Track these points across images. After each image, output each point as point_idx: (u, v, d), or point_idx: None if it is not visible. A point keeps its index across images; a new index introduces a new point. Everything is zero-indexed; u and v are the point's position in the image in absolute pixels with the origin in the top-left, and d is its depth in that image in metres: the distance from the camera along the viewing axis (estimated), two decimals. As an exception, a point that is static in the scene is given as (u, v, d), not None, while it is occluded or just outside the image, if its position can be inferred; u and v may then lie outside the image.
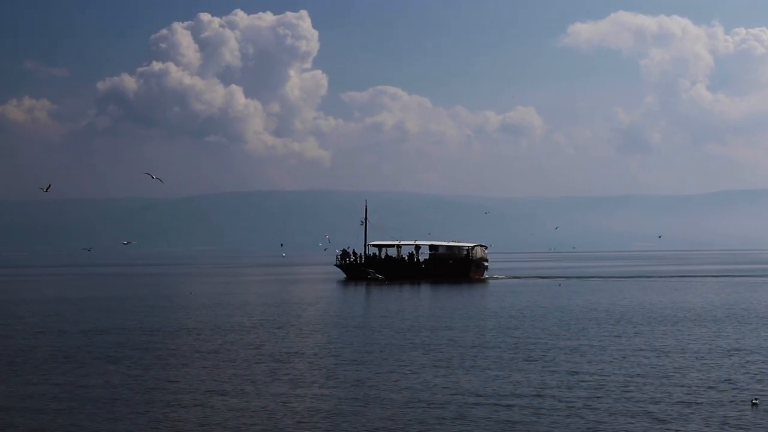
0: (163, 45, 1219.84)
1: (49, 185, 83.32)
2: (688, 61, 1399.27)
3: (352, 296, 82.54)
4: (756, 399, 27.01)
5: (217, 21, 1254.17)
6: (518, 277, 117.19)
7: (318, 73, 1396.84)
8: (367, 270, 37.12)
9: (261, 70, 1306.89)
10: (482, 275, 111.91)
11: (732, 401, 27.00)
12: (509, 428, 23.87)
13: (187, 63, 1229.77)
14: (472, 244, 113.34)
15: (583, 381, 30.70)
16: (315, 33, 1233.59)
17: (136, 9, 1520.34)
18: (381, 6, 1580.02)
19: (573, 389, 29.15)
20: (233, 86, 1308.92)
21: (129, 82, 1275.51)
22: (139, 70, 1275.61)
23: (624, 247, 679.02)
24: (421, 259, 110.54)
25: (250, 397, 28.64)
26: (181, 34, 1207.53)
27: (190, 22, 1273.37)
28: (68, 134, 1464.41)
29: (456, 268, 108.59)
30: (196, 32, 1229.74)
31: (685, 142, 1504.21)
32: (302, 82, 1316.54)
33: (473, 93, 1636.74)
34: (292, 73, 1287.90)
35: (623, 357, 36.71)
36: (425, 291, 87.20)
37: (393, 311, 62.18)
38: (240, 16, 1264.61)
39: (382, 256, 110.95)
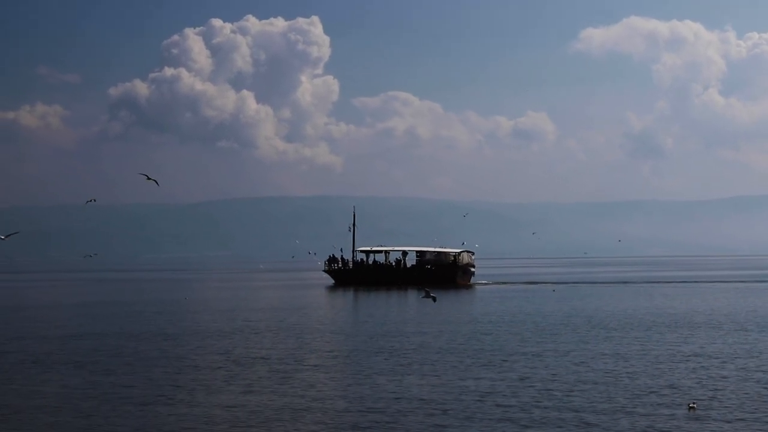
0: (174, 51, 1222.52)
1: (93, 199, 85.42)
2: (701, 66, 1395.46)
3: (338, 302, 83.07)
4: (693, 403, 27.36)
5: (228, 27, 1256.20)
6: (504, 283, 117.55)
7: (329, 78, 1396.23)
8: (425, 289, 37.39)
9: (272, 76, 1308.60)
10: (469, 281, 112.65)
11: (670, 405, 27.36)
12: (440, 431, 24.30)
13: (198, 69, 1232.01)
14: (458, 250, 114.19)
15: (530, 386, 31.10)
16: (326, 39, 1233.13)
17: (148, 15, 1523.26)
18: (392, 12, 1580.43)
19: (517, 395, 29.54)
20: (245, 92, 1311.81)
21: (141, 88, 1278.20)
22: (151, 75, 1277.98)
23: (636, 253, 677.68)
24: (408, 264, 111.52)
25: (196, 403, 29.09)
26: (193, 39, 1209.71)
27: (201, 27, 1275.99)
28: (80, 140, 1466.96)
29: (443, 273, 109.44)
30: (207, 38, 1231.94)
31: (698, 148, 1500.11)
32: (314, 87, 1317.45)
33: (485, 98, 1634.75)
34: (303, 78, 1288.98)
35: (582, 362, 37.09)
36: (411, 297, 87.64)
37: (374, 317, 62.67)
38: (251, 21, 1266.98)
39: (370, 262, 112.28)
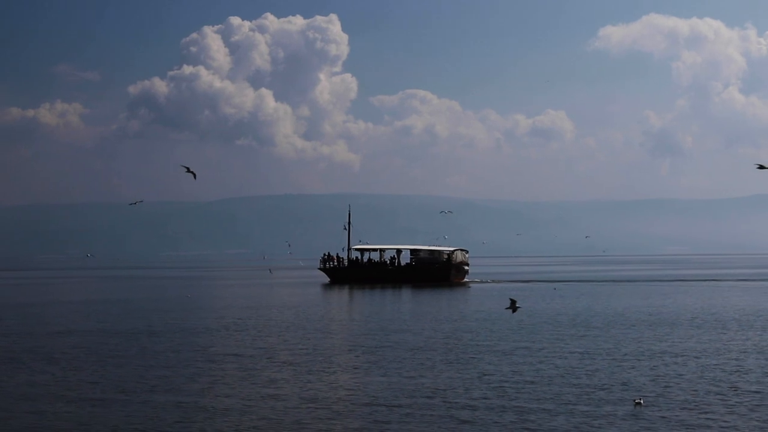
0: (193, 49, 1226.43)
1: (140, 201, 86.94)
2: (721, 64, 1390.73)
3: (331, 300, 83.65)
4: (640, 399, 27.75)
5: (247, 25, 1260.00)
6: (498, 281, 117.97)
7: (348, 76, 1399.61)
8: (513, 300, 37.57)
9: (291, 74, 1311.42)
10: (463, 279, 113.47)
11: (615, 402, 27.71)
12: (376, 428, 24.72)
13: (217, 67, 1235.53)
14: (452, 249, 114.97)
15: (485, 383, 31.49)
16: (345, 37, 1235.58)
17: (166, 13, 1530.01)
18: (411, 10, 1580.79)
19: (469, 391, 29.95)
20: (263, 90, 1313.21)
21: (160, 86, 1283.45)
22: (170, 73, 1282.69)
23: (656, 251, 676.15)
24: (403, 263, 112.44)
25: (150, 399, 29.61)
26: (212, 37, 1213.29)
27: (220, 25, 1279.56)
28: (99, 138, 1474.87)
29: (437, 271, 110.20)
30: (226, 36, 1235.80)
31: (717, 146, 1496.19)
32: (332, 85, 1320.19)
33: (503, 97, 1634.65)
34: (321, 76, 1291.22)
35: (546, 359, 37.46)
36: (404, 295, 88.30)
37: (362, 314, 63.28)
38: (270, 19, 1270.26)
39: (365, 260, 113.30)
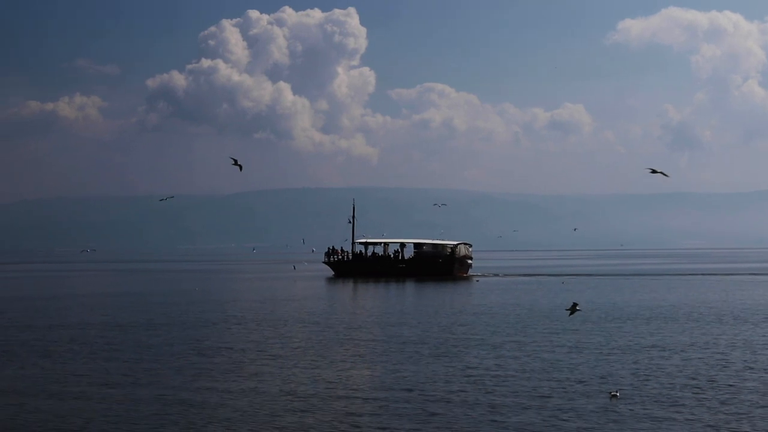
0: (212, 42, 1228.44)
1: (171, 197, 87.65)
2: (740, 57, 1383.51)
3: (333, 294, 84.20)
4: (616, 392, 27.99)
5: (265, 18, 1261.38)
6: (502, 275, 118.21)
7: (366, 70, 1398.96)
8: (575, 303, 37.59)
9: (309, 67, 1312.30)
10: (466, 273, 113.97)
11: (590, 395, 27.93)
12: (347, 420, 25.03)
13: (235, 60, 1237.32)
14: (456, 243, 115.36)
15: (467, 376, 31.77)
16: (363, 30, 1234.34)
17: (185, 6, 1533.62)
18: (429, 3, 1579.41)
19: (449, 384, 30.23)
20: (281, 83, 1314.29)
21: (178, 79, 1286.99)
22: (189, 67, 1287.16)
23: (674, 245, 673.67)
24: (406, 256, 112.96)
25: (134, 390, 30.04)
26: (230, 31, 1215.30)
27: (238, 19, 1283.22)
28: (118, 131, 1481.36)
29: (440, 265, 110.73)
30: (244, 29, 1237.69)
31: (737, 140, 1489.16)
32: (350, 79, 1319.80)
33: (521, 90, 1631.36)
34: (340, 70, 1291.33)
35: (534, 353, 37.71)
36: (407, 288, 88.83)
37: (362, 308, 63.70)
38: (288, 13, 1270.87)
39: (369, 254, 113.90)
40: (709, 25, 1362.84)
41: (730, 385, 29.41)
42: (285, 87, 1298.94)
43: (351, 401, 27.46)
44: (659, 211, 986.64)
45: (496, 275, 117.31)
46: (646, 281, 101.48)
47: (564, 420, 24.60)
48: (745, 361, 34.92)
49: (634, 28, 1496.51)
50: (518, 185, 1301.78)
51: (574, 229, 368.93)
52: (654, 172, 46.59)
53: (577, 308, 35.04)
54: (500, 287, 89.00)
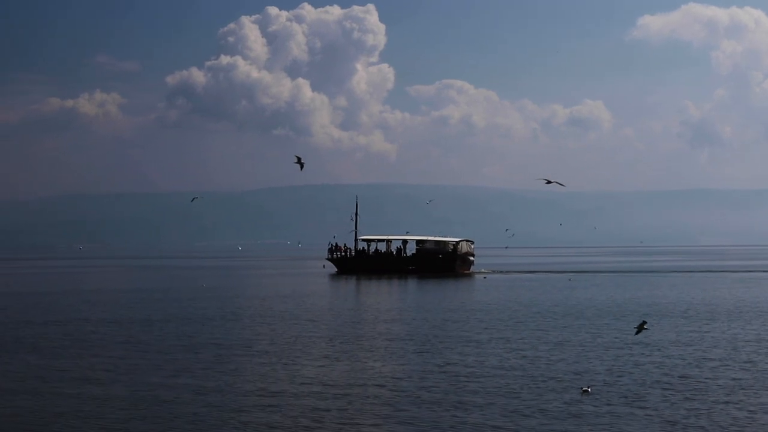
0: (231, 39, 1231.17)
1: (201, 197, 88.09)
2: (761, 53, 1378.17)
3: (334, 290, 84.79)
4: (588, 387, 28.23)
5: (284, 15, 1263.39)
6: (506, 272, 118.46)
7: (385, 66, 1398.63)
8: (643, 322, 36.83)
9: (328, 64, 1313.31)
10: (468, 269, 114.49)
11: (561, 390, 28.16)
12: (310, 415, 25.34)
13: (254, 57, 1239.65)
14: (458, 239, 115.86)
15: (444, 372, 32.03)
16: (382, 27, 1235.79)
17: (204, 3, 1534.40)
18: (448, 0, 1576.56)
19: (423, 380, 30.48)
20: (300, 80, 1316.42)
21: (198, 76, 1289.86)
22: (208, 63, 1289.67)
23: (693, 242, 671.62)
24: (409, 253, 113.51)
25: (111, 386, 30.45)
26: (249, 27, 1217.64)
27: (257, 15, 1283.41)
28: (138, 128, 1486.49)
29: (442, 262, 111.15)
30: (263, 26, 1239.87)
31: (757, 136, 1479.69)
32: (369, 75, 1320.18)
33: (540, 86, 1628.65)
34: (358, 66, 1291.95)
35: (517, 349, 37.95)
36: (409, 285, 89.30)
37: (359, 304, 64.15)
38: (307, 9, 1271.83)
39: (371, 251, 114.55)
40: (729, 21, 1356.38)
41: (700, 382, 29.60)
42: (304, 83, 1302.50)
43: (319, 397, 27.74)
44: (679, 208, 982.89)
45: (499, 272, 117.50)
46: (653, 278, 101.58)
47: (525, 416, 24.83)
48: (723, 358, 35.06)
49: (653, 24, 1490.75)
50: (538, 182, 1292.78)
51: (594, 228, 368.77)
52: (549, 182, 46.94)
53: (645, 327, 34.02)
54: (505, 284, 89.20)
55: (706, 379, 30.13)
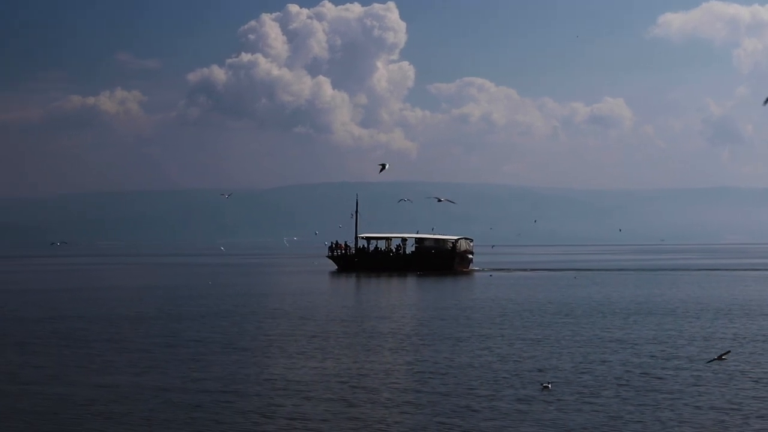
0: (251, 36, 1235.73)
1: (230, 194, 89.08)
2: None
3: (331, 288, 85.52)
4: (549, 383, 28.51)
5: (305, 12, 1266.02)
6: (506, 270, 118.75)
7: (405, 64, 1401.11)
8: (726, 352, 35.27)
9: (348, 62, 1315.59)
10: (467, 267, 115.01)
11: (521, 387, 28.42)
12: (262, 411, 25.71)
13: (275, 54, 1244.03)
14: (457, 238, 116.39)
15: (411, 369, 32.37)
16: (403, 24, 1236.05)
17: (225, 0, 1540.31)
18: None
19: (388, 376, 30.79)
20: (321, 77, 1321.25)
21: (218, 74, 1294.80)
22: (228, 61, 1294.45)
23: (715, 240, 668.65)
24: (408, 251, 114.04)
25: (80, 381, 30.90)
26: (270, 25, 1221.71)
27: (278, 13, 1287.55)
28: (158, 125, 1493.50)
29: (441, 260, 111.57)
30: (284, 24, 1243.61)
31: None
32: (389, 73, 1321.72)
33: (561, 84, 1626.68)
34: (379, 64, 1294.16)
35: (493, 347, 38.19)
36: (407, 283, 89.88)
37: (353, 302, 64.67)
38: (328, 7, 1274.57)
39: (371, 249, 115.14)
40: (751, 19, 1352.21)
41: (659, 378, 29.81)
42: (324, 81, 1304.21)
43: (280, 392, 28.05)
44: (701, 206, 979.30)
45: (507, 270, 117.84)
46: (659, 276, 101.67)
47: (474, 411, 25.09)
48: (690, 354, 35.25)
49: (674, 22, 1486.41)
50: (558, 180, 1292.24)
51: (620, 230, 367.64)
52: (440, 200, 47.20)
53: (723, 357, 32.17)
54: (507, 282, 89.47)
55: (666, 375, 30.32)
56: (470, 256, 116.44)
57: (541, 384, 28.51)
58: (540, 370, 31.53)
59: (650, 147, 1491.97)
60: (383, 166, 60.50)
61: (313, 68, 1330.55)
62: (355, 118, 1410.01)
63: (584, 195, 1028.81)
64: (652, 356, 34.90)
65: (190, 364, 34.10)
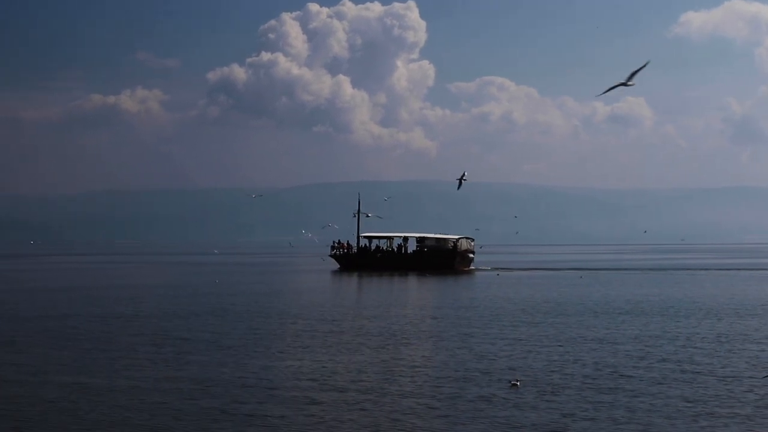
0: (271, 35, 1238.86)
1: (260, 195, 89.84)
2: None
3: (332, 287, 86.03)
4: (517, 381, 28.75)
5: (325, 11, 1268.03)
6: (510, 269, 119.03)
7: (425, 63, 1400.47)
8: None
9: (368, 61, 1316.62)
10: (468, 267, 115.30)
11: (488, 384, 28.66)
12: (229, 408, 26.04)
13: (295, 53, 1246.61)
14: (458, 237, 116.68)
15: (382, 367, 32.52)
16: (423, 23, 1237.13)
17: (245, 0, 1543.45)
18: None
19: (361, 374, 31.07)
20: (341, 76, 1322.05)
21: (238, 73, 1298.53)
22: (249, 60, 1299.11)
23: (736, 240, 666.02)
24: (410, 250, 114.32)
25: (55, 378, 31.32)
26: (290, 24, 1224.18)
27: (298, 12, 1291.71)
28: (179, 124, 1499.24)
29: (442, 259, 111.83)
30: (304, 23, 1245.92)
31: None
32: (409, 72, 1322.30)
33: (581, 83, 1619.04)
34: (399, 63, 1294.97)
35: (472, 345, 38.43)
36: (408, 282, 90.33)
37: (349, 301, 65.04)
38: (348, 6, 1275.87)
39: (373, 248, 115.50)
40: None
41: (629, 376, 29.99)
42: (344, 80, 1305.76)
43: (248, 390, 28.33)
44: (721, 206, 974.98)
45: (513, 269, 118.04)
46: (666, 276, 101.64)
47: (432, 408, 25.40)
48: (666, 354, 35.41)
49: (696, 20, 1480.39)
50: (578, 179, 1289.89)
51: (644, 231, 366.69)
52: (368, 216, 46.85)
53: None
54: (511, 281, 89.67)
55: (635, 374, 30.53)
56: (471, 255, 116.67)
57: (510, 382, 28.75)
58: (512, 369, 31.76)
59: (671, 146, 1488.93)
60: (462, 176, 60.24)
61: (333, 67, 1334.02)
62: (375, 117, 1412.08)
63: (604, 194, 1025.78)
64: (629, 355, 35.10)
65: (169, 363, 34.42)
